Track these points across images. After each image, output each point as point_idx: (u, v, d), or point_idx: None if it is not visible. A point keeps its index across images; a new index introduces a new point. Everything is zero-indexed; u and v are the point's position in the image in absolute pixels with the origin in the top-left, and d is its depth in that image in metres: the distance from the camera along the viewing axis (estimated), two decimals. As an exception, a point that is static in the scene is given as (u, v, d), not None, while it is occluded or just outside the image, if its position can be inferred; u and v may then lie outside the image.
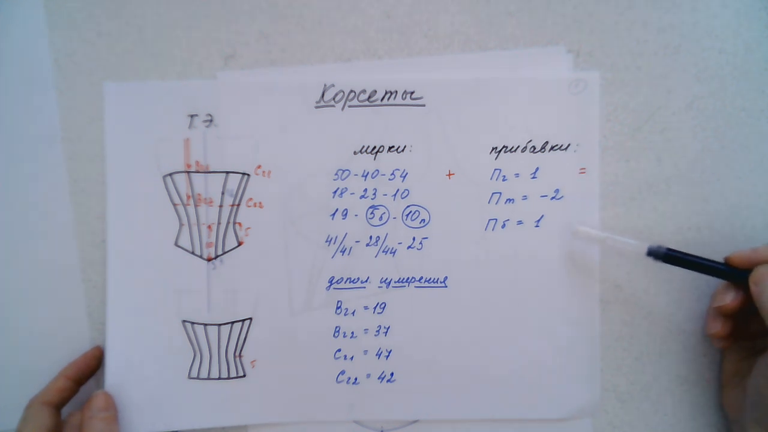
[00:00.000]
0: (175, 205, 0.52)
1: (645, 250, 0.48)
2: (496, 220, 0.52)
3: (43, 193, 0.53)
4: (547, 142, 0.51)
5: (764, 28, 0.51)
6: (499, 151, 0.51)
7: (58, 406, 0.50)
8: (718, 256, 0.48)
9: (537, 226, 0.51)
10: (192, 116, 0.52)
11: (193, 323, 0.53)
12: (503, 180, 0.51)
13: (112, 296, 0.52)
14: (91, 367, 0.52)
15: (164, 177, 0.52)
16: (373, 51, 0.53)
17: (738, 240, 0.51)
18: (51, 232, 0.53)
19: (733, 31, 0.51)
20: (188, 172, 0.52)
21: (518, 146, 0.51)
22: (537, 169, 0.51)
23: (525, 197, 0.51)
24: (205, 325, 0.53)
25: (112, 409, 0.51)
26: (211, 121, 0.52)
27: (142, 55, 0.53)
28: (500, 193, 0.52)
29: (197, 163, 0.52)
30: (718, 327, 0.48)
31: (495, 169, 0.51)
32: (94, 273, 0.53)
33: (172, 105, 0.52)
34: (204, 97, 0.52)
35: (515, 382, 0.52)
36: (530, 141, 0.51)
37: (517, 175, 0.51)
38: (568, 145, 0.51)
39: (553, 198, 0.51)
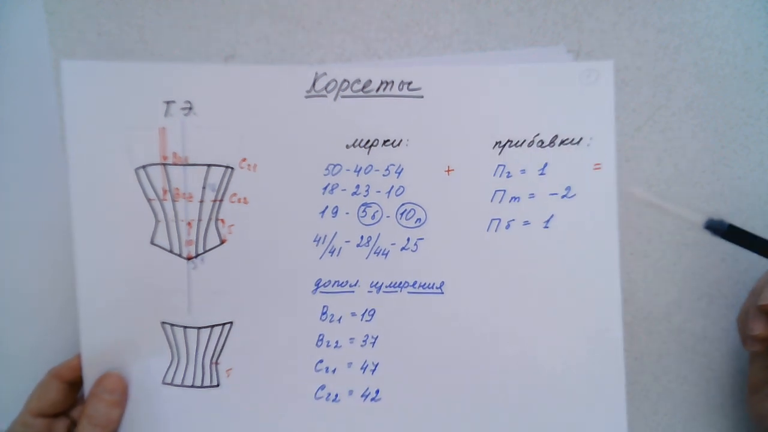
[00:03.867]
0: (150, 200, 0.48)
1: (703, 222, 0.45)
2: (500, 220, 0.47)
3: (43, 193, 0.52)
4: (556, 136, 0.46)
5: (764, 28, 0.51)
6: (503, 145, 0.47)
7: (70, 383, 0.47)
8: (717, 256, 0.49)
9: (546, 227, 0.46)
10: (168, 103, 0.48)
11: (173, 325, 0.48)
12: (507, 177, 0.47)
13: (83, 300, 0.48)
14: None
15: (137, 170, 0.48)
16: (373, 51, 0.52)
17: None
18: (51, 231, 0.52)
19: (733, 31, 0.51)
20: (164, 164, 0.48)
21: (524, 140, 0.47)
22: (545, 164, 0.46)
23: (532, 195, 0.47)
24: (185, 327, 0.48)
25: (119, 393, 0.47)
26: (190, 108, 0.48)
27: (142, 55, 0.52)
28: (504, 190, 0.47)
29: (174, 154, 0.48)
30: (761, 328, 0.42)
31: (498, 165, 0.47)
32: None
33: (146, 89, 0.48)
34: (182, 81, 0.48)
35: (521, 406, 0.46)
36: (538, 134, 0.47)
37: (523, 171, 0.47)
38: (581, 138, 0.46)
39: (564, 196, 0.46)
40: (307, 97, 0.48)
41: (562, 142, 0.46)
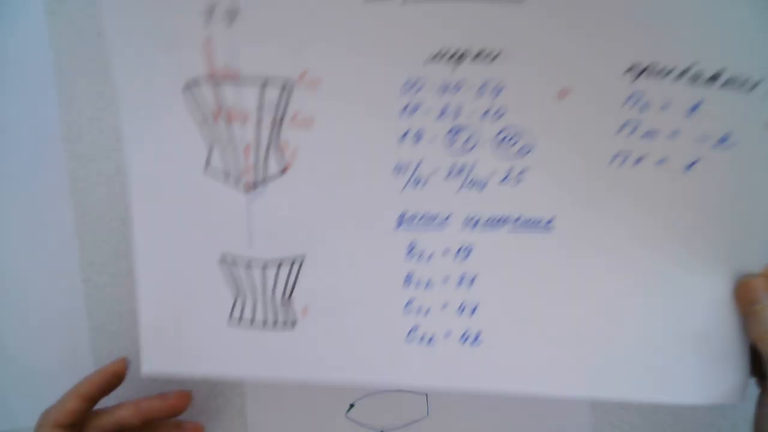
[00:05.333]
0: (199, 124, 0.40)
1: None
2: (628, 154, 0.37)
3: (43, 193, 0.50)
4: (721, 71, 0.34)
5: None
6: (640, 72, 0.35)
7: (69, 428, 0.44)
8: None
9: (687, 170, 0.37)
10: (210, 8, 0.38)
11: (233, 260, 0.43)
12: (642, 109, 0.36)
13: (139, 235, 0.43)
14: (111, 384, 0.45)
15: (183, 90, 0.40)
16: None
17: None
18: (51, 232, 0.50)
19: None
20: (213, 80, 0.39)
21: (672, 69, 0.35)
22: (698, 104, 0.35)
23: (675, 132, 0.36)
24: (248, 262, 0.43)
25: None
26: (236, 14, 0.38)
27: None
28: (637, 123, 0.36)
29: (224, 68, 0.39)
30: None
31: (631, 95, 0.36)
32: (94, 273, 0.51)
33: None
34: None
35: (641, 354, 0.40)
36: (695, 64, 0.34)
37: (664, 107, 0.36)
38: (756, 83, 0.34)
39: (716, 145, 0.36)
40: (366, 0, 0.36)
41: (726, 82, 0.34)
